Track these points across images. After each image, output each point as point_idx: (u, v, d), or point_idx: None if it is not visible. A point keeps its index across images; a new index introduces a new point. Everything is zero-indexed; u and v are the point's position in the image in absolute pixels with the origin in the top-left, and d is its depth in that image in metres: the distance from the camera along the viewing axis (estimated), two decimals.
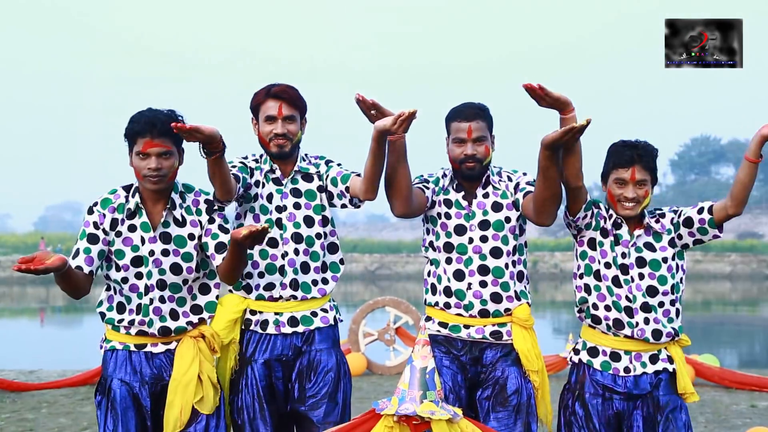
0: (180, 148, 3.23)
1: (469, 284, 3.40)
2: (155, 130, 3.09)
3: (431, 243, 3.50)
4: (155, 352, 3.25)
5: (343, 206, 3.49)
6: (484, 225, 3.42)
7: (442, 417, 2.68)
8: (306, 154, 3.58)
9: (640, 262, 3.33)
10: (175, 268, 3.22)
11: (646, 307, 3.32)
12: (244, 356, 3.41)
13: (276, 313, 3.42)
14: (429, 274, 3.54)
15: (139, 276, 3.20)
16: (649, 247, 3.36)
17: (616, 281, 3.34)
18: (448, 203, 3.47)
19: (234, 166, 3.42)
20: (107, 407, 3.22)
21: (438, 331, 3.46)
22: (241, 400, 3.37)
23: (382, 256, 44.94)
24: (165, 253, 3.22)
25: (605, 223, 3.38)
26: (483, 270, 3.39)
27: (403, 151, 3.23)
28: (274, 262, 3.42)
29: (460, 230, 3.43)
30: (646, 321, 3.31)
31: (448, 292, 3.43)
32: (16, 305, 30.73)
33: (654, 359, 3.34)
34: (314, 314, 3.46)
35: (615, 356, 3.35)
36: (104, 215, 3.21)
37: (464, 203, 3.46)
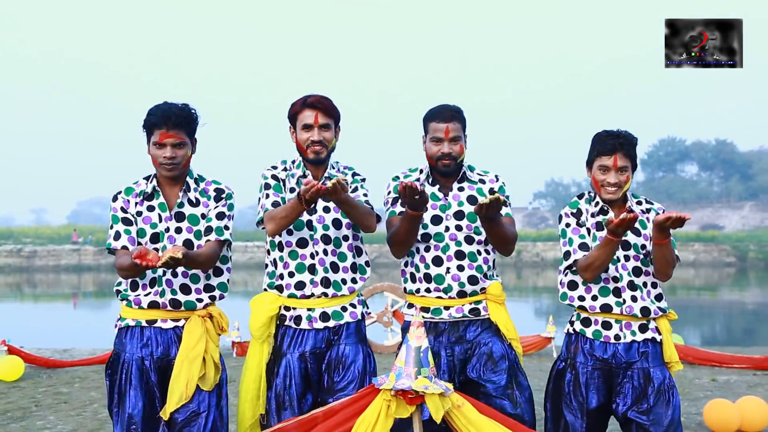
0: (193, 139, 3.23)
1: (448, 269, 3.36)
2: (170, 122, 3.11)
3: None
4: (165, 328, 3.19)
5: None
6: (458, 215, 3.38)
7: (435, 391, 2.68)
8: (336, 162, 3.52)
9: (625, 245, 3.30)
10: (187, 244, 3.20)
11: (632, 286, 3.30)
12: (280, 350, 3.35)
13: (309, 309, 3.35)
14: (406, 264, 3.49)
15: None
16: (635, 231, 3.33)
17: None
18: None
19: (269, 186, 3.39)
20: (118, 381, 3.17)
21: (422, 316, 3.37)
22: (273, 391, 3.31)
23: (380, 246, 44.78)
24: (178, 230, 3.22)
25: (587, 223, 3.38)
26: (459, 255, 3.36)
27: (418, 224, 3.27)
28: (303, 262, 3.35)
29: (437, 220, 3.39)
30: (633, 299, 3.28)
31: (428, 278, 3.39)
32: (52, 291, 30.73)
33: (643, 329, 3.30)
34: (344, 309, 3.39)
35: (606, 325, 3.31)
36: (128, 201, 3.23)
37: (440, 195, 3.42)
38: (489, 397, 3.22)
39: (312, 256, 3.35)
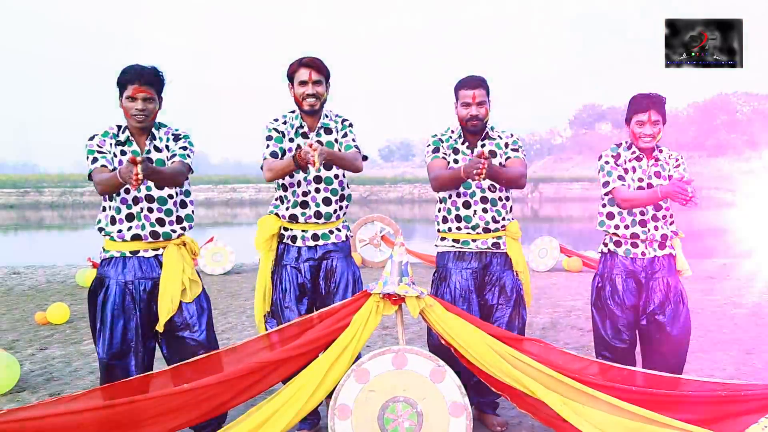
0: (160, 96, 2.97)
1: (474, 211, 3.28)
2: (143, 79, 2.86)
3: None
4: (146, 257, 2.97)
5: None
6: None
7: (412, 294, 2.70)
8: (329, 111, 3.32)
9: (649, 186, 3.29)
10: (158, 186, 2.96)
11: (655, 218, 3.30)
12: (280, 262, 3.28)
13: (303, 231, 3.26)
14: (439, 209, 3.40)
15: (128, 191, 2.94)
16: (657, 174, 3.31)
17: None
18: (455, 151, 3.32)
19: (270, 138, 3.23)
20: (103, 302, 2.94)
21: (452, 246, 3.32)
22: (276, 295, 3.27)
23: (371, 186, 44.86)
24: None
25: (624, 165, 3.36)
26: (484, 200, 3.28)
27: (462, 183, 3.20)
28: (296, 199, 3.24)
29: None
30: (656, 228, 3.30)
31: (458, 218, 3.30)
32: None
33: (662, 246, 3.33)
34: (331, 232, 3.29)
35: (634, 245, 3.32)
36: (105, 140, 2.95)
37: (468, 151, 3.31)
38: (497, 321, 3.26)
39: (305, 194, 3.24)
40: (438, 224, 3.41)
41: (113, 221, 2.98)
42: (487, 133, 3.35)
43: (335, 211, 3.30)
